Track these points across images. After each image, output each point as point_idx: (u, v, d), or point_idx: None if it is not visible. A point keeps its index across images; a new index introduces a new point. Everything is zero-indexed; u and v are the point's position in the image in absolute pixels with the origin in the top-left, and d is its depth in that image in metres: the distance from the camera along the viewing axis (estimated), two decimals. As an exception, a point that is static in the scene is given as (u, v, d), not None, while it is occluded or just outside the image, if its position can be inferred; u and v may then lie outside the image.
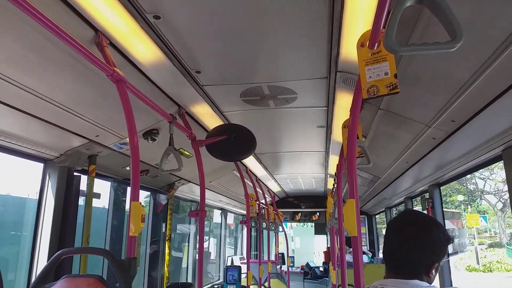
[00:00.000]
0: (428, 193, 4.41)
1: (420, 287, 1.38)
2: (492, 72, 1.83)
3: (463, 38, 0.98)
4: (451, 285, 4.09)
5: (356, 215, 1.39)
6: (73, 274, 1.64)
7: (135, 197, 1.67)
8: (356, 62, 1.41)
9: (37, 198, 2.83)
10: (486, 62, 1.78)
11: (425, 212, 4.29)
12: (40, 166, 2.87)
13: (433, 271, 1.43)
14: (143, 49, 2.11)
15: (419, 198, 5.23)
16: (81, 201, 2.99)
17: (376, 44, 1.32)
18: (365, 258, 8.85)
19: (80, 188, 3.01)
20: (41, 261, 2.68)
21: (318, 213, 10.58)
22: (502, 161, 2.71)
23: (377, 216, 9.71)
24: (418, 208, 5.71)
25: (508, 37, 1.56)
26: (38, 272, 2.50)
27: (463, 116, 2.40)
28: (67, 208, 2.83)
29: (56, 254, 1.61)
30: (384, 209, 7.74)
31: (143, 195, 4.86)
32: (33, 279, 2.68)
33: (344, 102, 3.01)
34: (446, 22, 1.00)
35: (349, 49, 2.19)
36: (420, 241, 1.41)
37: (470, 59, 1.84)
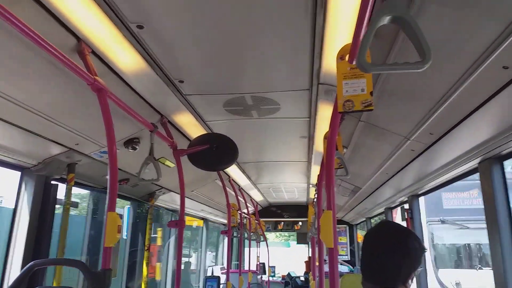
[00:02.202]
0: (408, 204, 4.47)
1: None
2: (468, 87, 1.88)
3: (431, 59, 1.02)
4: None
5: (332, 227, 1.40)
6: (45, 287, 1.60)
7: (111, 207, 1.65)
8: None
9: (13, 206, 2.75)
10: (462, 76, 1.83)
11: (405, 222, 4.35)
12: (17, 174, 2.80)
13: (410, 280, 1.47)
14: (125, 58, 2.10)
15: (399, 208, 5.29)
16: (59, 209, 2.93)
17: (355, 59, 1.35)
18: (346, 268, 8.88)
19: (58, 197, 2.94)
20: (14, 272, 2.60)
21: (300, 223, 10.60)
22: (478, 173, 2.77)
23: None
24: (398, 219, 5.78)
25: (484, 52, 1.61)
26: (10, 283, 2.43)
27: (441, 129, 2.45)
28: (43, 217, 2.76)
29: (28, 266, 1.58)
30: (365, 219, 7.80)
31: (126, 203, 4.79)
32: (5, 290, 2.60)
33: (325, 114, 3.04)
34: (416, 43, 1.04)
35: (330, 62, 2.23)
36: (398, 251, 1.46)
37: (447, 73, 1.89)
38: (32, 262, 1.60)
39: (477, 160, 2.67)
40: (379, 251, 1.49)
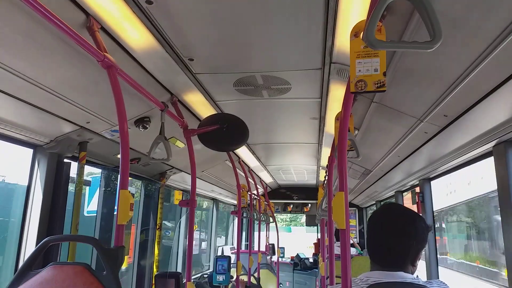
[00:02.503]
0: (418, 187, 4.44)
1: (406, 279, 1.41)
2: (484, 68, 1.83)
3: (441, 39, 0.98)
4: (438, 278, 4.14)
5: (345, 208, 1.39)
6: (60, 262, 1.64)
7: (123, 185, 1.65)
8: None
9: (26, 184, 2.80)
10: (479, 57, 1.77)
11: (415, 206, 4.33)
12: (29, 152, 2.83)
13: (418, 259, 1.50)
14: (135, 34, 2.08)
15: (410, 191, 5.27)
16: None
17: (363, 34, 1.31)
18: (354, 251, 8.94)
19: (71, 175, 2.98)
20: (29, 248, 2.66)
21: (309, 205, 10.65)
22: (492, 157, 2.72)
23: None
24: (408, 202, 5.76)
25: (502, 32, 1.55)
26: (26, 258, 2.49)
27: (455, 111, 2.40)
28: (57, 195, 2.80)
29: (43, 241, 1.60)
30: (375, 202, 7.80)
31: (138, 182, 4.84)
32: (20, 265, 2.66)
33: (337, 94, 3.00)
34: (427, 21, 1.00)
35: (344, 40, 2.18)
36: (406, 232, 1.47)
37: (463, 54, 1.84)
38: (46, 238, 1.62)
39: (492, 143, 2.62)
40: (387, 234, 1.49)
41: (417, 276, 1.56)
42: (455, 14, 1.58)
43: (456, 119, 2.48)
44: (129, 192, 1.68)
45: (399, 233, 1.47)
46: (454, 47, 1.80)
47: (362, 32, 1.40)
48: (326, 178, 4.18)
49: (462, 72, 1.96)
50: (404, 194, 5.62)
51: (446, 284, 1.46)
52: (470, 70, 1.91)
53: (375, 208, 7.89)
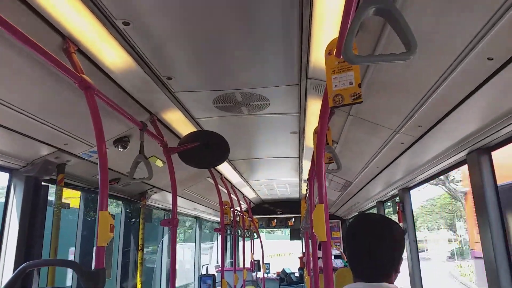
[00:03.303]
0: (398, 197, 4.51)
1: None
2: (454, 79, 1.90)
3: (417, 50, 1.02)
4: (421, 285, 4.19)
5: (325, 220, 1.41)
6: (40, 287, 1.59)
7: (103, 206, 1.64)
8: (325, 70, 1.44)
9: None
10: (448, 69, 1.85)
11: (396, 215, 4.39)
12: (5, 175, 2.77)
13: (400, 264, 1.48)
14: (112, 55, 2.08)
15: (390, 202, 5.35)
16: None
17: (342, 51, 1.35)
18: (340, 262, 8.94)
19: (49, 198, 2.92)
20: (6, 274, 2.57)
21: (293, 219, 10.64)
22: (467, 165, 2.80)
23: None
24: (388, 211, 5.84)
25: (469, 43, 1.62)
26: (2, 285, 2.41)
27: (429, 121, 2.48)
28: (34, 219, 2.73)
29: (21, 267, 1.56)
30: (357, 213, 7.86)
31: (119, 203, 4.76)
32: (-3, 293, 2.57)
33: (315, 109, 3.05)
34: (402, 34, 1.04)
35: (318, 56, 2.23)
36: (383, 235, 1.46)
37: (433, 66, 1.91)
38: (24, 264, 1.58)
39: (465, 152, 2.70)
40: (366, 239, 1.46)
41: None
42: (424, 28, 1.65)
43: (430, 129, 2.56)
44: (109, 213, 1.66)
45: (377, 237, 1.45)
46: (424, 60, 1.87)
47: (335, 50, 1.46)
48: (308, 191, 4.21)
49: (433, 84, 2.03)
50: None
51: None
52: (440, 82, 1.98)
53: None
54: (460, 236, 26.42)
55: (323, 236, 1.38)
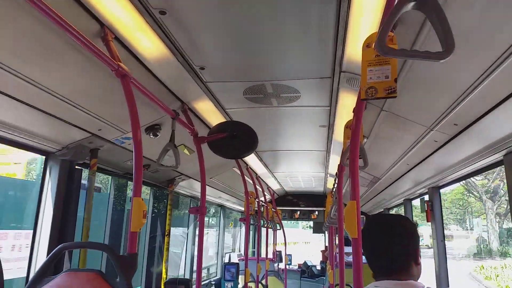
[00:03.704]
0: (428, 196, 4.41)
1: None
2: (495, 78, 1.83)
3: (454, 50, 0.98)
4: (448, 286, 4.10)
5: (357, 217, 1.39)
6: (74, 268, 1.65)
7: (137, 192, 1.67)
8: (360, 63, 1.41)
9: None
10: (490, 67, 1.78)
11: (425, 214, 4.30)
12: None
13: (419, 256, 1.53)
14: (148, 44, 2.11)
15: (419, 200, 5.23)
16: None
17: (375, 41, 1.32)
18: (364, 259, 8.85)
19: (82, 182, 3.01)
20: (41, 255, 2.68)
21: (317, 212, 10.60)
22: (503, 166, 2.71)
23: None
24: (417, 211, 5.73)
25: (513, 43, 1.56)
26: (38, 265, 2.51)
27: (466, 120, 2.40)
28: (68, 201, 2.83)
29: (57, 248, 1.62)
30: (383, 210, 7.75)
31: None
32: (31, 273, 2.68)
33: (347, 102, 3.01)
34: (440, 32, 1.00)
35: (354, 50, 2.19)
36: (395, 232, 1.51)
37: (474, 64, 1.84)
38: (61, 245, 1.64)
39: (503, 153, 2.61)
40: (380, 239, 1.52)
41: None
42: (467, 25, 1.59)
43: (466, 128, 2.48)
44: (142, 199, 1.69)
45: (389, 235, 1.51)
46: (465, 57, 1.81)
47: (374, 43, 1.42)
48: (336, 186, 4.17)
49: (473, 82, 1.96)
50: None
51: None
52: (480, 80, 1.91)
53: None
54: (477, 234, 25.31)
55: (355, 233, 1.37)
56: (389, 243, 1.50)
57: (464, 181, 21.21)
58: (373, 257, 1.54)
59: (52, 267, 1.71)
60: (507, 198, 2.67)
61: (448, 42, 1.01)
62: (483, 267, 17.83)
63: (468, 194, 26.07)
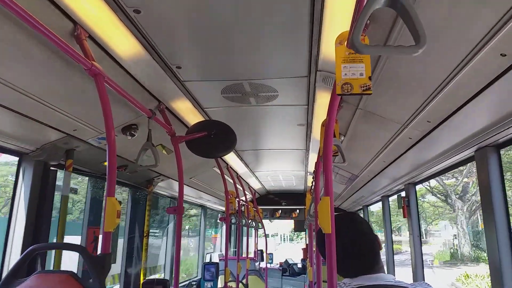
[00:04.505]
0: (404, 192, 4.50)
1: (388, 281, 1.43)
2: (466, 74, 1.88)
3: (426, 43, 1.01)
4: (423, 280, 4.19)
5: (330, 213, 1.41)
6: (45, 270, 1.62)
7: (110, 192, 1.66)
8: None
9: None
10: (460, 64, 1.83)
11: (401, 210, 4.39)
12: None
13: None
14: (123, 43, 2.09)
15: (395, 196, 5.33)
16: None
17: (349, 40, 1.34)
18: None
19: (57, 183, 2.96)
20: (14, 256, 2.62)
21: (298, 210, 10.67)
22: (475, 162, 2.79)
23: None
24: (393, 206, 5.82)
25: (482, 39, 1.60)
26: (11, 266, 2.45)
27: (438, 116, 2.46)
28: (42, 202, 2.77)
29: (28, 250, 1.59)
30: (362, 207, 7.86)
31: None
32: (4, 273, 2.62)
33: (323, 101, 3.04)
34: (411, 26, 1.03)
35: (329, 49, 2.22)
36: (363, 231, 1.56)
37: (445, 60, 1.89)
38: (32, 246, 1.61)
39: (474, 148, 2.69)
40: (356, 242, 1.53)
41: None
42: (436, 22, 1.63)
43: (439, 125, 2.54)
44: (116, 199, 1.68)
45: (359, 233, 1.54)
46: (436, 55, 1.86)
47: (346, 40, 1.45)
48: (313, 183, 4.21)
49: (444, 79, 2.01)
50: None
51: (430, 286, 1.48)
52: (451, 77, 1.96)
53: (362, 213, 7.95)
54: (444, 238, 23.57)
55: (328, 228, 1.39)
56: (361, 240, 1.52)
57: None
58: (344, 256, 1.48)
59: (24, 269, 1.68)
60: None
61: (420, 35, 1.03)
62: (468, 276, 15.14)
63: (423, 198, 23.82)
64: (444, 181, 20.90)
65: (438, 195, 22.99)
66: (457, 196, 21.39)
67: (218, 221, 10.08)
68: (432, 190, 22.48)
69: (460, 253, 20.95)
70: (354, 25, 1.17)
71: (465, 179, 20.66)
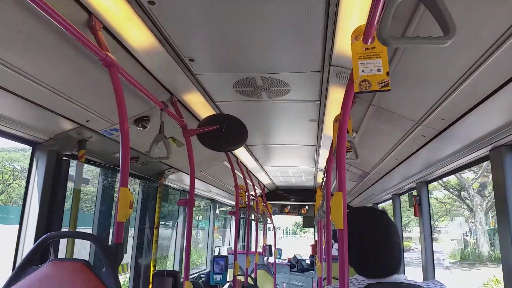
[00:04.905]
0: (415, 190, 4.46)
1: (400, 280, 1.42)
2: (481, 73, 1.85)
3: (456, 34, 0.99)
4: (434, 278, 4.16)
5: (343, 208, 1.40)
6: (59, 258, 1.64)
7: (123, 183, 1.67)
8: (350, 57, 1.42)
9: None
10: (477, 61, 1.80)
11: (412, 209, 4.35)
12: (28, 149, 2.84)
13: None
14: (137, 34, 2.09)
15: (407, 194, 5.29)
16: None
17: (370, 39, 1.33)
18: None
19: (70, 173, 2.99)
20: (27, 245, 2.66)
21: (307, 207, 10.66)
22: (489, 161, 2.74)
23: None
24: (405, 204, 5.77)
25: (500, 37, 1.57)
26: (24, 255, 2.49)
27: (453, 114, 2.42)
28: (55, 192, 2.80)
29: (42, 238, 1.61)
30: (372, 205, 7.82)
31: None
32: (18, 261, 2.66)
33: (336, 97, 3.02)
34: (440, 17, 1.01)
35: (343, 44, 2.20)
36: (397, 236, 1.45)
37: (461, 58, 1.86)
38: (46, 234, 1.63)
39: (489, 148, 2.65)
40: (383, 243, 1.42)
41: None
42: (454, 18, 1.60)
43: (453, 123, 2.51)
44: (129, 189, 1.69)
45: (391, 235, 1.43)
46: (452, 51, 1.82)
47: (362, 35, 1.42)
48: (324, 179, 4.19)
49: (460, 76, 1.98)
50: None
51: (442, 284, 1.46)
52: (468, 74, 1.93)
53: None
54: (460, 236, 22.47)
55: (340, 224, 1.38)
56: (391, 244, 1.41)
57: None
58: (367, 255, 1.43)
59: (37, 257, 1.70)
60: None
61: (449, 25, 1.01)
62: (498, 281, 12.74)
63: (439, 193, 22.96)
64: (461, 175, 19.70)
65: (451, 190, 22.01)
66: (475, 191, 20.37)
67: (228, 215, 10.12)
68: (444, 185, 21.56)
69: (478, 253, 19.86)
70: (374, 21, 1.15)
71: (484, 174, 19.59)
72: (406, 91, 2.47)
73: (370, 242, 1.44)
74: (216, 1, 1.88)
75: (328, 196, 2.53)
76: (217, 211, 8.86)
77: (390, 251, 1.42)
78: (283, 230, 44.65)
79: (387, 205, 7.50)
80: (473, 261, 19.55)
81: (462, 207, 22.96)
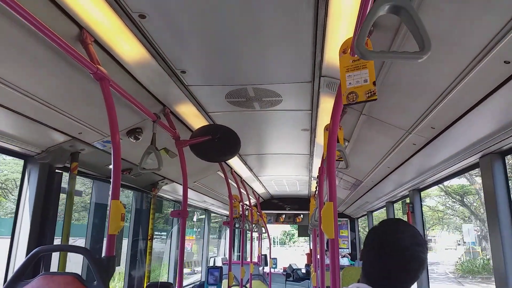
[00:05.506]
0: (408, 198, 4.49)
1: None
2: (470, 81, 1.88)
3: (430, 50, 1.02)
4: (428, 287, 4.16)
5: (334, 218, 1.41)
6: (50, 272, 1.63)
7: (115, 195, 1.67)
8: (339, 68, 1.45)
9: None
10: (464, 70, 1.83)
11: (405, 216, 4.37)
12: (20, 162, 2.83)
13: None
14: (128, 47, 2.11)
15: (400, 202, 5.31)
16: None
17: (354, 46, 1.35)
18: (346, 261, 8.93)
19: (62, 186, 2.98)
20: (19, 258, 2.64)
21: (302, 215, 10.65)
22: (479, 169, 2.77)
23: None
24: (398, 212, 5.79)
25: (486, 46, 1.61)
26: (16, 268, 2.47)
27: (443, 123, 2.46)
28: (48, 205, 2.79)
29: (33, 251, 1.60)
30: (366, 212, 7.83)
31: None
32: (10, 275, 2.64)
33: (327, 106, 3.04)
34: (416, 33, 1.04)
35: (332, 55, 2.23)
36: (421, 257, 1.28)
37: (449, 67, 1.89)
38: (37, 248, 1.63)
39: (478, 155, 2.68)
40: (407, 264, 1.27)
41: None
42: (440, 29, 1.63)
43: (443, 131, 2.54)
44: (121, 202, 1.69)
45: (416, 258, 1.27)
46: (440, 62, 1.86)
47: (350, 48, 1.46)
48: (317, 188, 4.21)
49: (448, 86, 2.02)
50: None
51: None
52: (455, 84, 1.97)
53: (366, 219, 7.92)
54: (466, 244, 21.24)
55: (331, 234, 1.39)
56: (415, 274, 1.27)
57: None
58: (374, 270, 1.30)
59: (29, 271, 1.70)
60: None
61: (424, 41, 1.04)
62: None
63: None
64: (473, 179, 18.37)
65: (453, 195, 20.97)
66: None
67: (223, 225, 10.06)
68: (446, 189, 20.48)
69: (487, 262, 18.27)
70: (357, 31, 1.18)
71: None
72: (395, 101, 2.50)
73: (390, 253, 1.29)
74: (207, 14, 1.90)
75: (320, 205, 2.54)
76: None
77: (398, 275, 1.28)
78: (273, 240, 44.31)
79: (380, 213, 7.52)
80: (487, 274, 17.75)
81: (450, 216, 22.22)
